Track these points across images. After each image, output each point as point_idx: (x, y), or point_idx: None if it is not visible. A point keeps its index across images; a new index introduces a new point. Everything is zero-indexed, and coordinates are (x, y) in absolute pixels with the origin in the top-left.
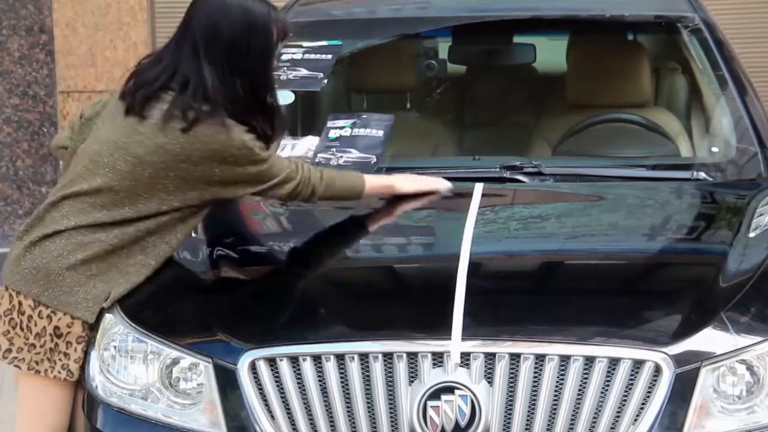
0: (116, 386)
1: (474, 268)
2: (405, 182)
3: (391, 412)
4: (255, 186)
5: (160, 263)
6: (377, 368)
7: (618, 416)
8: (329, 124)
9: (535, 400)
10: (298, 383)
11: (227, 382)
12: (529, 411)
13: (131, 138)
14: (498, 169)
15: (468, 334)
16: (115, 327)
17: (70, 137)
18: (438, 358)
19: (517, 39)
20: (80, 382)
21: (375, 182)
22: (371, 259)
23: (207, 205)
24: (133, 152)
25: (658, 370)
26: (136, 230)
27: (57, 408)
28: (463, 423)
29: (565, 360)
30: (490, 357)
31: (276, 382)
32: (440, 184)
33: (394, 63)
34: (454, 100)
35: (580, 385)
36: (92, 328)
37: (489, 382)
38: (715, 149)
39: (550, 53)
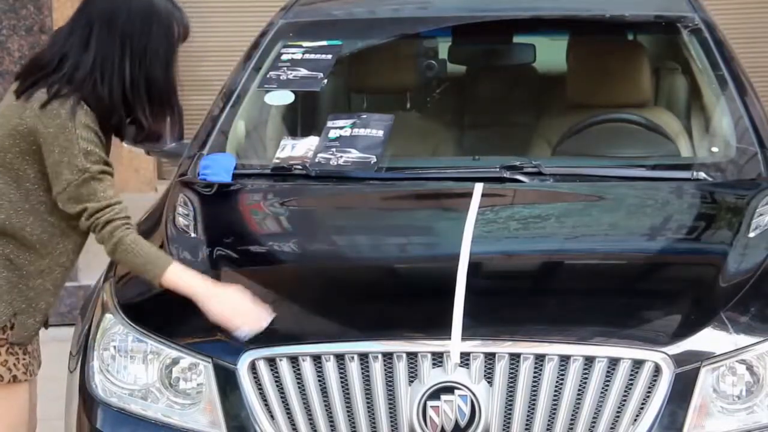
0: (116, 386)
1: (474, 268)
2: (209, 301)
3: (390, 412)
4: (75, 202)
5: (58, 288)
6: (377, 368)
7: (618, 416)
8: (329, 124)
9: (534, 400)
10: (298, 383)
11: (227, 382)
12: (528, 411)
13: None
14: (498, 169)
15: (468, 334)
16: (115, 327)
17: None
18: (438, 358)
19: (517, 39)
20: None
21: (181, 282)
22: (371, 259)
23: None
24: None
25: (657, 370)
26: (29, 238)
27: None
28: (462, 423)
29: (564, 360)
30: (490, 357)
31: (276, 382)
32: (251, 322)
33: (394, 63)
34: (454, 101)
35: (580, 385)
36: (4, 329)
37: (489, 382)
38: (715, 149)
39: (550, 53)
